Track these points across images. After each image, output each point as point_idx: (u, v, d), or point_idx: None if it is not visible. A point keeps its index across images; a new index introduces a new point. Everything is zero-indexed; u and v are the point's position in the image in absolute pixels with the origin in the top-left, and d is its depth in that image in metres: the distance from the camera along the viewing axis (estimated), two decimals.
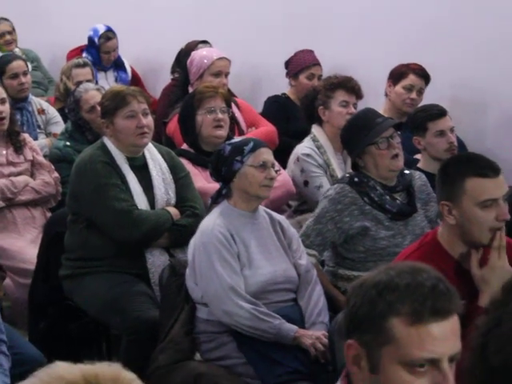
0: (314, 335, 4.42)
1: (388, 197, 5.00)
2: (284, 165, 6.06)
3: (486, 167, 3.86)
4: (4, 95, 6.07)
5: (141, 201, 5.20)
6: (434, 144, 5.71)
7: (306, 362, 4.40)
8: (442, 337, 2.33)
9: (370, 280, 2.40)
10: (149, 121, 5.25)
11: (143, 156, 5.32)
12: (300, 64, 7.28)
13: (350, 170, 5.28)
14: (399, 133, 5.08)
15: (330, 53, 7.26)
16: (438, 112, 5.79)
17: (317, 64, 7.27)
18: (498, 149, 6.19)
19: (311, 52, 7.32)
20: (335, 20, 7.60)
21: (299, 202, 6.12)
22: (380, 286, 2.35)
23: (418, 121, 5.79)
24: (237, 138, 5.14)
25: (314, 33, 7.58)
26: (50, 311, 5.50)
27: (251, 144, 4.65)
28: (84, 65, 7.71)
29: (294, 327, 4.45)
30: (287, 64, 7.38)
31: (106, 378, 1.91)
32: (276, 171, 4.75)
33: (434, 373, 2.33)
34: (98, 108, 5.80)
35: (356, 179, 5.01)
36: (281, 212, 5.58)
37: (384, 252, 4.82)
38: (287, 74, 7.41)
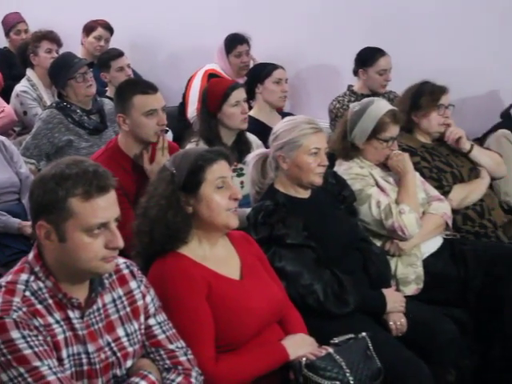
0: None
1: (86, 117, 4.96)
2: (8, 101, 5.89)
3: (146, 86, 3.87)
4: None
5: None
6: (116, 77, 5.61)
7: (29, 244, 4.30)
8: (107, 206, 2.33)
9: (46, 174, 2.36)
10: None
11: None
12: (8, 24, 6.98)
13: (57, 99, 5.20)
14: (91, 70, 5.05)
15: (36, 14, 6.96)
16: (117, 53, 5.72)
17: (21, 21, 6.96)
18: (166, 78, 6.24)
19: (16, 13, 7.00)
20: None
21: (21, 127, 5.95)
22: (56, 177, 2.32)
23: (103, 60, 5.71)
24: None
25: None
26: None
27: None
28: None
29: (18, 220, 4.35)
30: (2, 25, 7.07)
31: None
32: None
33: (106, 233, 2.34)
34: None
35: (61, 105, 4.95)
36: (8, 135, 5.43)
37: None
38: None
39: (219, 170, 2.84)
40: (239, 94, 4.31)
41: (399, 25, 5.59)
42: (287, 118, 3.58)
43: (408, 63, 5.39)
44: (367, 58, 5.40)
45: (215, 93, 4.30)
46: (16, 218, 4.38)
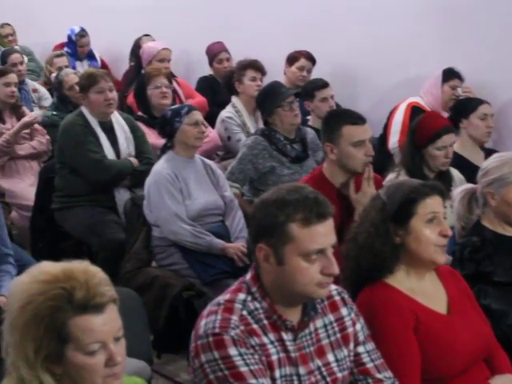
0: (236, 246, 4.43)
1: (289, 146, 5.04)
2: (213, 127, 6.04)
3: (356, 117, 3.89)
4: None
5: (109, 153, 5.16)
6: (319, 107, 5.69)
7: (231, 265, 4.41)
8: (325, 233, 2.36)
9: (267, 198, 2.41)
10: (113, 95, 5.20)
11: (110, 120, 5.26)
12: (211, 53, 7.16)
13: (261, 127, 5.29)
14: (298, 99, 5.12)
15: (240, 43, 7.07)
16: (322, 83, 5.78)
17: (223, 51, 7.12)
18: (365, 109, 6.19)
19: (219, 43, 7.17)
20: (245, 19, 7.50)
21: (224, 152, 6.10)
22: (278, 202, 2.37)
23: (308, 90, 5.78)
24: (176, 106, 5.12)
25: (226, 30, 7.42)
26: (47, 235, 5.48)
27: (186, 108, 4.68)
28: (61, 55, 7.62)
29: (221, 241, 4.47)
30: (207, 54, 7.28)
31: (79, 271, 1.95)
32: (205, 127, 4.83)
33: (322, 259, 2.36)
34: (76, 86, 5.81)
35: (266, 132, 5.06)
36: (212, 159, 5.56)
37: None
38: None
39: (432, 204, 2.79)
40: (449, 139, 4.26)
41: None
42: (498, 154, 3.51)
43: None
44: None
45: (427, 128, 4.27)
46: (219, 238, 4.49)
